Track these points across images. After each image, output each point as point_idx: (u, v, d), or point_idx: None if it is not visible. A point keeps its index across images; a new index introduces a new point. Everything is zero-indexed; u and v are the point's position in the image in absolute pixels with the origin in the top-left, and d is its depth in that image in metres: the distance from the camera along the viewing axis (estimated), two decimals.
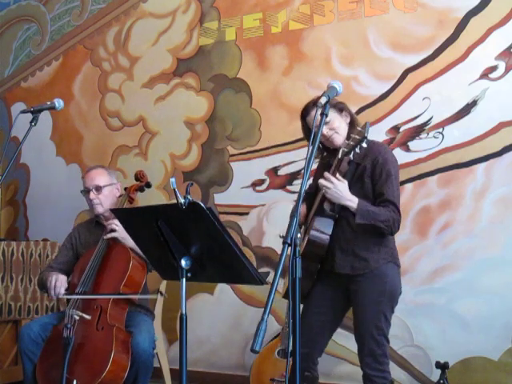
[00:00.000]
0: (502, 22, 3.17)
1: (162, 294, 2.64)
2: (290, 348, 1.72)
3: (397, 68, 3.40)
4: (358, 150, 2.24)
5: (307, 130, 2.54)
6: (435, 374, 3.10)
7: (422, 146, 3.32)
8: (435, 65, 3.31)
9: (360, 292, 2.42)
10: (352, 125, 2.49)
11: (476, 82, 3.22)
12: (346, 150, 2.25)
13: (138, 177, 3.16)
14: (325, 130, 2.43)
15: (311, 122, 2.45)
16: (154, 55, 4.16)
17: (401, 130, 3.38)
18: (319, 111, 1.94)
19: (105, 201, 2.97)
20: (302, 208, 2.57)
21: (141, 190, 3.16)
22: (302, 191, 1.80)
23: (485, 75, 3.20)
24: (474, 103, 3.22)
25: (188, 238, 1.85)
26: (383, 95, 3.43)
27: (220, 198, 3.88)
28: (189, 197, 1.73)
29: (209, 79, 3.96)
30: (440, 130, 3.29)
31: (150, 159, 4.14)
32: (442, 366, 3.00)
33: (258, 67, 3.82)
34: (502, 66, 3.17)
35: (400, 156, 3.33)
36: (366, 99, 3.47)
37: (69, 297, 2.79)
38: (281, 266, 1.64)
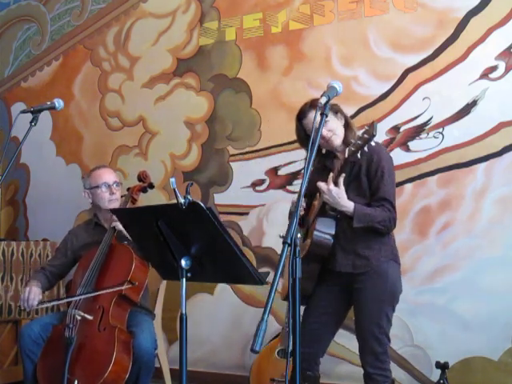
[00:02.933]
0: (502, 22, 3.17)
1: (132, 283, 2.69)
2: (290, 348, 1.72)
3: (397, 68, 3.40)
4: (366, 148, 2.23)
5: (302, 132, 2.54)
6: (435, 374, 3.10)
7: (422, 145, 3.32)
8: (435, 65, 3.31)
9: (362, 290, 2.43)
10: (347, 127, 2.50)
11: (476, 82, 3.22)
12: (353, 149, 2.23)
13: (141, 177, 3.16)
14: (324, 131, 2.43)
15: (309, 125, 2.46)
16: (154, 55, 4.16)
17: (401, 130, 3.38)
18: (319, 111, 1.93)
19: (119, 198, 3.00)
20: (304, 203, 2.57)
21: (144, 190, 3.16)
22: (302, 191, 1.81)
23: (485, 75, 3.20)
24: (474, 103, 3.22)
25: (188, 238, 1.85)
26: (383, 95, 3.43)
27: (220, 198, 3.88)
28: (189, 197, 1.74)
29: (209, 79, 3.96)
30: (440, 130, 3.29)
31: (150, 159, 4.14)
32: (442, 366, 3.00)
33: (257, 67, 3.82)
34: (502, 66, 3.17)
35: (400, 156, 3.35)
36: (366, 99, 3.47)
37: (42, 306, 2.83)
38: (281, 266, 1.64)
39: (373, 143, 2.20)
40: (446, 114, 3.27)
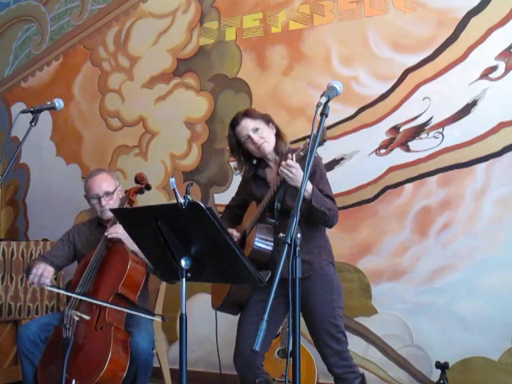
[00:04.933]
0: (502, 22, 3.17)
1: (163, 318, 2.72)
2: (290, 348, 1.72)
3: (397, 68, 3.40)
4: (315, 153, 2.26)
5: (234, 140, 2.60)
6: (435, 374, 3.10)
7: (422, 145, 3.32)
8: (435, 65, 3.31)
9: (310, 295, 2.45)
10: (278, 136, 2.58)
11: (476, 82, 3.22)
12: (302, 154, 2.26)
13: (138, 179, 3.18)
14: (255, 137, 2.51)
15: (241, 132, 2.54)
16: (154, 55, 4.16)
17: (401, 130, 3.38)
18: (319, 111, 1.93)
19: (114, 205, 3.00)
20: (231, 230, 2.62)
21: (140, 192, 3.18)
22: (302, 191, 1.80)
23: (485, 75, 3.20)
24: (474, 103, 3.22)
25: (188, 238, 1.85)
26: (383, 95, 3.43)
27: (220, 198, 3.87)
28: (189, 197, 1.73)
29: (209, 79, 3.96)
30: (440, 129, 3.29)
31: (150, 159, 4.14)
32: (442, 366, 3.01)
33: (257, 67, 3.82)
34: (502, 66, 3.17)
35: (400, 156, 3.36)
36: (365, 99, 3.47)
37: (51, 289, 2.83)
38: (281, 266, 1.64)
39: (323, 147, 2.22)
40: (446, 114, 3.27)
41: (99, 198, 2.98)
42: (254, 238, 2.40)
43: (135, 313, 2.71)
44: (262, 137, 2.52)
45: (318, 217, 2.42)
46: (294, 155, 2.30)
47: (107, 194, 2.99)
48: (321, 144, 2.19)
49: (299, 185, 2.32)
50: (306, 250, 2.44)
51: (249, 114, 2.57)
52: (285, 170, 2.29)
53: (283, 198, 2.42)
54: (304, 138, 3.37)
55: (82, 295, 2.70)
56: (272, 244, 2.42)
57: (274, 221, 2.44)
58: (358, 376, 2.47)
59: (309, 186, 2.37)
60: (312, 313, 2.47)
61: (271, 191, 2.41)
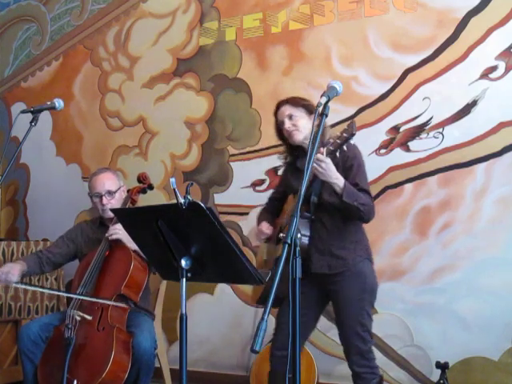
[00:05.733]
0: (502, 22, 3.17)
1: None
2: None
3: (397, 68, 3.40)
4: (345, 147, 2.26)
5: (277, 125, 2.62)
6: (435, 374, 3.10)
7: (422, 145, 3.32)
8: (435, 65, 3.31)
9: (341, 292, 2.45)
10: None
11: (476, 82, 3.22)
12: (331, 148, 2.26)
13: (141, 179, 3.17)
14: (287, 124, 2.52)
15: (279, 117, 2.56)
16: (154, 55, 4.16)
17: (401, 130, 3.38)
18: (319, 111, 1.93)
19: (116, 204, 2.99)
20: (265, 224, 2.62)
21: (143, 191, 3.17)
22: (302, 191, 1.80)
23: (485, 75, 3.20)
24: (474, 103, 3.22)
25: (188, 238, 1.85)
26: (383, 95, 3.43)
27: (220, 198, 3.88)
28: (189, 197, 1.73)
29: (209, 79, 3.96)
30: (440, 129, 3.29)
31: (150, 159, 4.14)
32: (442, 366, 3.01)
33: (257, 67, 3.82)
34: (502, 66, 3.17)
35: (400, 156, 3.36)
36: (366, 99, 3.47)
37: (19, 286, 2.87)
38: (281, 266, 1.64)
39: (352, 141, 2.21)
40: (446, 114, 3.27)
41: (101, 197, 2.98)
42: None
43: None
44: (295, 125, 2.51)
45: (351, 212, 2.40)
46: (324, 149, 2.29)
47: (109, 192, 2.99)
48: (350, 138, 2.20)
49: (330, 180, 2.33)
50: (340, 245, 2.46)
51: (291, 100, 2.57)
52: (315, 165, 2.27)
53: (320, 191, 2.40)
54: None
55: (68, 293, 2.72)
56: (308, 238, 2.41)
57: (309, 215, 2.43)
58: (376, 377, 2.46)
59: (340, 181, 2.35)
60: (341, 310, 2.47)
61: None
